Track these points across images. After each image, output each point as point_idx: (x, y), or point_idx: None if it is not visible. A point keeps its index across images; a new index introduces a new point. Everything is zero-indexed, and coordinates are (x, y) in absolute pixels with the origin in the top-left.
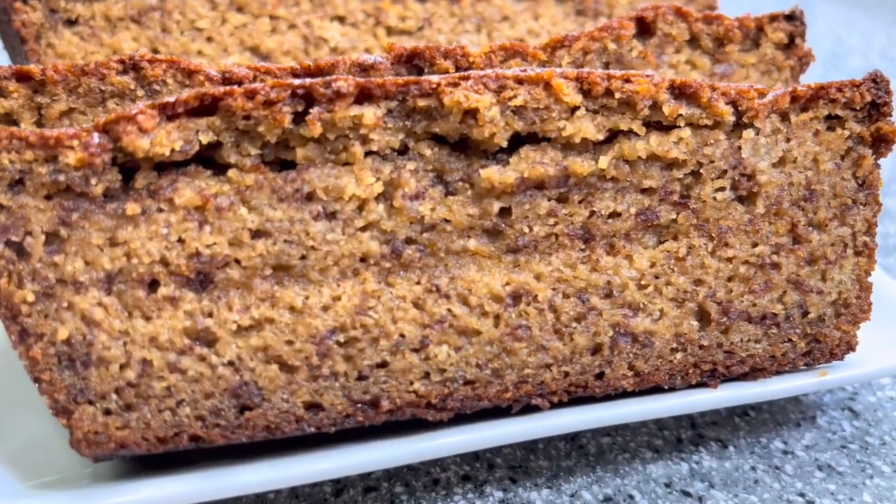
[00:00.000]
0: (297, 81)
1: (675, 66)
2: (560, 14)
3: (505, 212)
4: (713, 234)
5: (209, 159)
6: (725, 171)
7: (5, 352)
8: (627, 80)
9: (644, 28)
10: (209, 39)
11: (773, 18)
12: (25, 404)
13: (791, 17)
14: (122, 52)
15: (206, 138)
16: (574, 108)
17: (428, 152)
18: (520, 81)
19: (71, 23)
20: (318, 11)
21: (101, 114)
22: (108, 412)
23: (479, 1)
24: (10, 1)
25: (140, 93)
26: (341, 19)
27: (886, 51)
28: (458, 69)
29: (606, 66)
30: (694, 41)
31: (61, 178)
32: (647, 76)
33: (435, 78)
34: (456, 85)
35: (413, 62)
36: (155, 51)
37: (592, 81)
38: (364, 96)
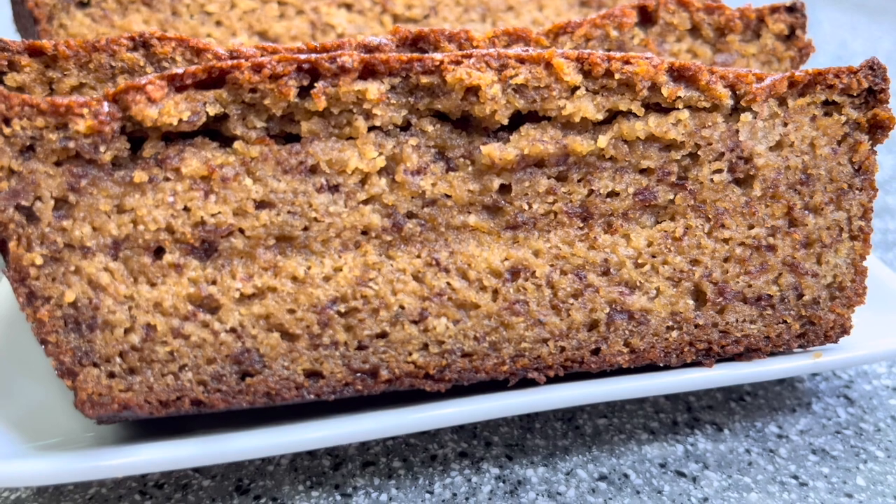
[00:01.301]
0: (303, 56)
1: (677, 55)
2: (564, 5)
3: (505, 189)
4: (710, 216)
5: (216, 131)
6: (723, 154)
7: (12, 316)
8: (627, 62)
9: (646, 16)
10: (218, 23)
11: (774, 9)
12: (31, 367)
13: (792, 9)
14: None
15: (213, 110)
16: (574, 88)
17: (430, 128)
18: (521, 60)
19: (83, 4)
20: None
21: (111, 88)
22: (112, 375)
23: None
24: None
25: (149, 69)
26: (348, 6)
27: (891, 55)
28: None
29: (608, 52)
30: (695, 30)
31: (71, 144)
32: (647, 58)
33: (438, 55)
34: (458, 63)
35: (418, 45)
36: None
37: (593, 62)
38: (368, 72)
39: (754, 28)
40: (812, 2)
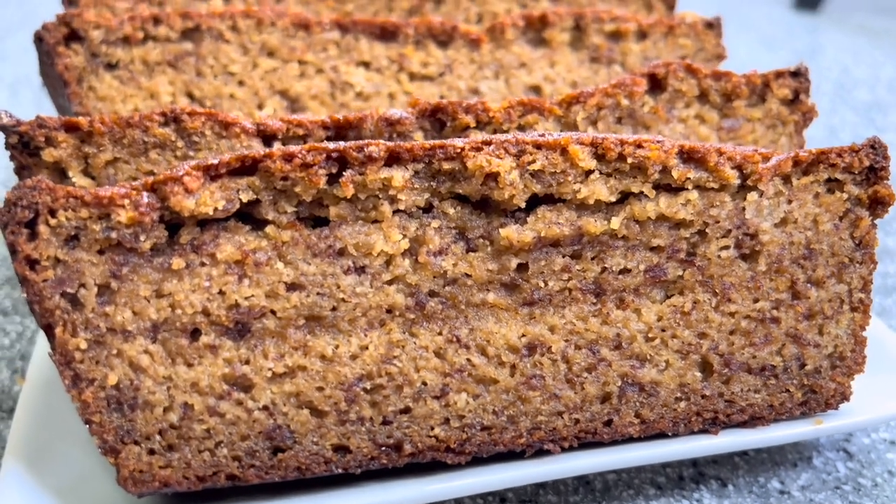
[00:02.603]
0: (331, 145)
1: (685, 121)
2: (575, 61)
3: (522, 267)
4: (717, 290)
5: (248, 215)
6: (730, 231)
7: (53, 382)
8: (639, 146)
9: (655, 83)
10: (241, 83)
11: (779, 75)
12: (75, 441)
13: (796, 74)
14: (159, 94)
15: (246, 197)
16: (588, 172)
17: (451, 211)
18: (538, 146)
19: (111, 66)
20: (344, 57)
21: (145, 163)
22: (152, 452)
23: (498, 48)
24: (53, 45)
25: (180, 143)
26: (366, 65)
27: (893, 83)
28: (478, 123)
29: (619, 120)
30: (703, 96)
31: (113, 234)
32: (658, 142)
33: (459, 142)
34: (479, 149)
35: (436, 116)
36: (189, 94)
37: (607, 147)
38: (393, 159)
39: (760, 93)
40: (814, 24)
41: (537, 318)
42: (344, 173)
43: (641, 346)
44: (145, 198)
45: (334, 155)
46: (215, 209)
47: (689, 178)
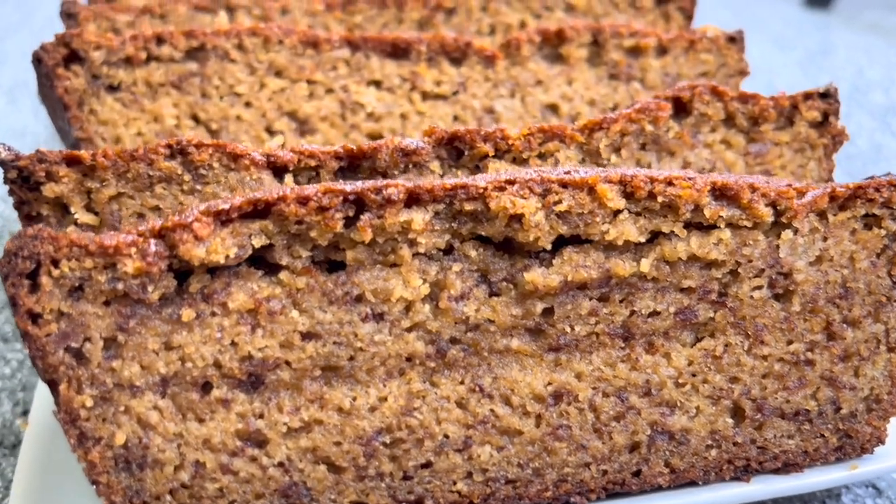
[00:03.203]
0: (348, 187)
1: (711, 146)
2: (593, 78)
3: (547, 312)
4: (749, 332)
5: (260, 258)
6: (763, 270)
7: (62, 436)
8: (670, 183)
9: (680, 107)
10: (248, 105)
11: (808, 96)
12: (83, 491)
13: (825, 95)
14: (163, 117)
15: (258, 242)
16: (617, 212)
17: (473, 253)
18: (564, 185)
19: (113, 89)
20: (354, 76)
21: (150, 198)
22: None
23: (513, 65)
24: (52, 67)
25: (187, 177)
26: (377, 84)
27: None
28: (497, 151)
29: (643, 146)
30: (729, 120)
31: (119, 285)
32: (689, 179)
33: (481, 181)
34: (502, 189)
35: (453, 144)
36: (195, 116)
37: (636, 185)
38: (413, 199)
39: (788, 115)
40: (825, 22)
41: (563, 364)
42: (361, 216)
43: (671, 393)
44: (153, 246)
45: (351, 197)
46: (227, 257)
47: (721, 217)
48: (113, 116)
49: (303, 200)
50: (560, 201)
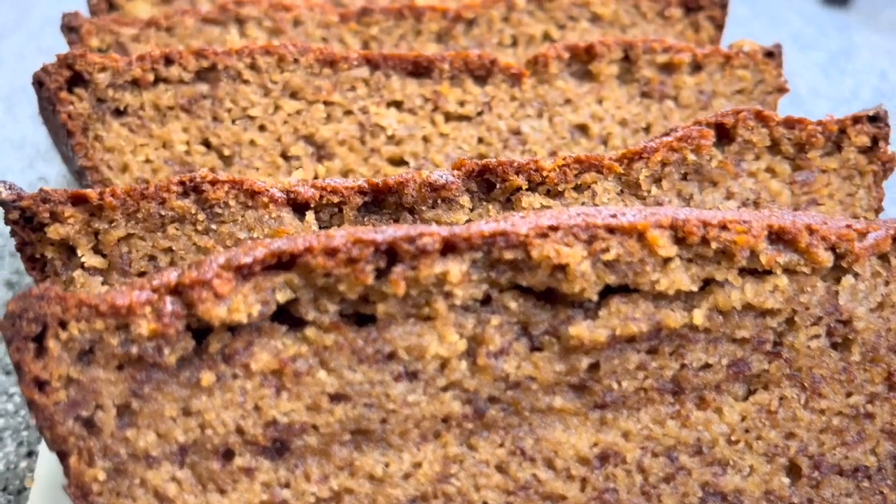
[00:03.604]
0: (379, 236)
1: (755, 174)
2: (624, 96)
3: (593, 367)
4: (806, 384)
5: (284, 310)
6: (821, 318)
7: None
8: (724, 227)
9: (723, 133)
10: (262, 128)
11: (857, 120)
12: None
13: (875, 119)
14: (173, 143)
15: (283, 297)
16: (668, 259)
17: (513, 304)
18: (611, 230)
19: (119, 113)
20: (374, 97)
21: (162, 239)
22: None
23: (541, 83)
24: (55, 90)
25: (201, 216)
26: (398, 105)
27: None
28: (530, 184)
29: (685, 176)
30: (774, 146)
31: (133, 349)
32: (744, 222)
33: (522, 227)
34: (545, 236)
35: (483, 176)
36: (206, 141)
37: (688, 231)
38: (449, 248)
39: (836, 140)
40: (845, 22)
41: (609, 423)
42: (394, 268)
43: (724, 451)
44: (169, 305)
45: (383, 247)
46: (249, 315)
47: (777, 262)
48: (119, 143)
49: (330, 252)
50: (607, 249)
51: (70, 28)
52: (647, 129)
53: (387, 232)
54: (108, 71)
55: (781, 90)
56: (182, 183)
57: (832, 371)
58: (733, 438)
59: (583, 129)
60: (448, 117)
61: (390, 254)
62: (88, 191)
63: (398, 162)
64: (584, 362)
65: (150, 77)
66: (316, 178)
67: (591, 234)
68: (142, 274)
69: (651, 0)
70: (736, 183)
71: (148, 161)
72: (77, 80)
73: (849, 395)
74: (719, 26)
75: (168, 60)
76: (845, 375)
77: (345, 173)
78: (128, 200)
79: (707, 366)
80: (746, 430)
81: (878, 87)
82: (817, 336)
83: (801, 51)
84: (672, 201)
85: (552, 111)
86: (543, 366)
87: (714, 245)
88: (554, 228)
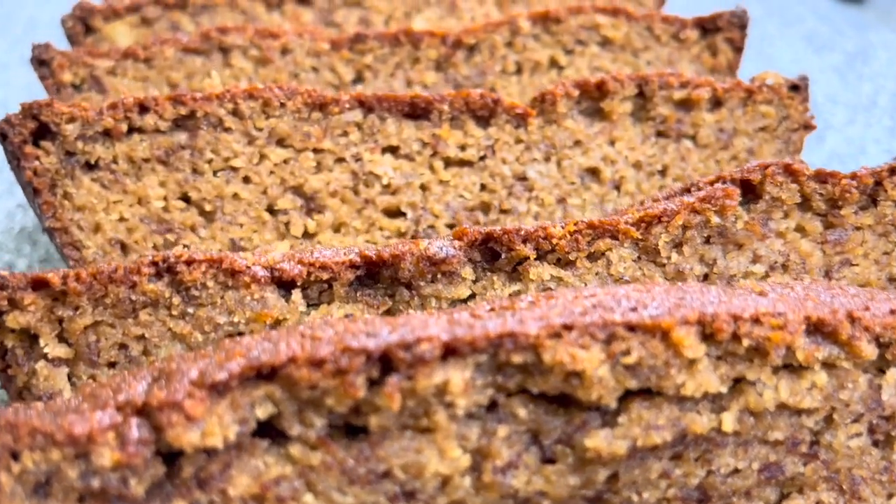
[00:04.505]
0: (371, 344)
1: (784, 235)
2: (638, 136)
3: (611, 477)
4: (844, 487)
5: (265, 423)
6: (862, 415)
7: None
8: (756, 322)
9: (748, 189)
10: (246, 180)
11: (893, 171)
12: None
13: None
14: (149, 199)
15: (263, 412)
16: (695, 360)
17: (522, 411)
18: (631, 328)
19: (90, 167)
20: (368, 142)
21: (133, 326)
22: None
23: (548, 124)
24: (19, 144)
25: (176, 300)
26: (394, 150)
27: None
28: (539, 252)
29: (707, 239)
30: (805, 202)
31: (95, 483)
32: (779, 315)
33: (533, 327)
34: (558, 336)
35: (488, 245)
36: (185, 196)
37: (717, 328)
38: (450, 351)
39: (870, 193)
40: (861, 20)
41: None
42: (388, 379)
43: None
44: (135, 430)
45: (376, 355)
46: (225, 438)
47: (816, 358)
48: (91, 200)
49: (316, 363)
50: (628, 351)
51: (40, 62)
52: (662, 172)
53: (380, 337)
54: (78, 121)
55: (808, 127)
56: (154, 264)
57: (873, 471)
58: None
59: (594, 172)
60: (448, 163)
61: (384, 361)
62: (50, 275)
63: (394, 213)
64: (602, 474)
65: (124, 127)
66: (306, 232)
67: (609, 334)
68: (112, 364)
69: (665, 22)
70: (763, 245)
71: (122, 219)
72: (43, 131)
73: (890, 496)
74: (738, 49)
75: (142, 108)
76: (887, 476)
77: (337, 227)
78: (94, 284)
79: (736, 471)
80: None
81: None
82: (858, 434)
83: (817, 53)
84: (693, 268)
85: (560, 154)
86: (556, 479)
87: (746, 342)
88: (568, 328)
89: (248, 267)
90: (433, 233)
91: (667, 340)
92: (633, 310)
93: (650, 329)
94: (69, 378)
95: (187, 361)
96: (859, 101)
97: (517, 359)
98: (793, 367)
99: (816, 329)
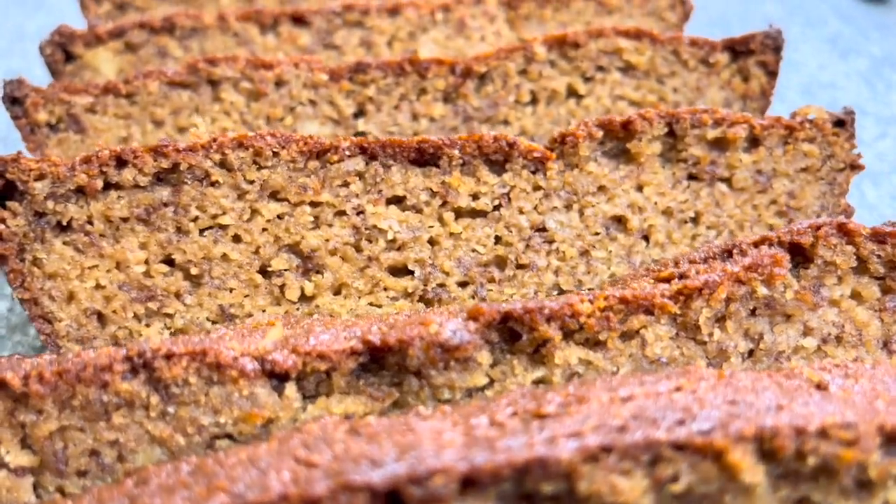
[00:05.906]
0: (376, 478)
1: (838, 303)
2: (669, 180)
3: None
4: None
5: None
6: None
7: None
8: (823, 435)
9: (798, 252)
10: (236, 239)
11: None
12: None
13: None
14: (128, 263)
15: None
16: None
17: None
18: (679, 448)
19: (62, 229)
20: (371, 193)
21: (106, 430)
22: None
23: (569, 168)
24: None
25: (154, 399)
26: (399, 201)
27: None
28: (565, 333)
29: (753, 311)
30: (860, 265)
31: None
32: (849, 426)
33: (565, 451)
34: (594, 460)
35: (507, 324)
36: (168, 258)
37: (779, 445)
38: (468, 482)
39: None
40: (886, 21)
41: None
42: None
43: None
44: None
45: (382, 492)
46: None
47: (891, 474)
48: (63, 266)
49: (312, 502)
50: (676, 477)
51: (13, 100)
52: (695, 220)
53: (386, 465)
54: (48, 178)
55: (855, 167)
56: (129, 359)
57: None
58: None
59: (620, 221)
60: (459, 214)
61: (392, 500)
62: (9, 375)
63: (401, 271)
64: None
65: (99, 183)
66: (303, 296)
67: (653, 455)
68: (82, 473)
69: (692, 45)
70: (814, 315)
71: (99, 287)
72: (10, 190)
73: None
74: (772, 73)
75: (120, 161)
76: None
77: (337, 289)
78: (59, 385)
79: None
80: None
81: None
82: None
83: (842, 57)
84: (738, 346)
85: (583, 202)
86: None
87: (812, 460)
88: (606, 450)
89: (236, 359)
90: (443, 292)
91: (720, 462)
92: (681, 423)
93: (701, 449)
94: (34, 489)
95: (162, 494)
96: (890, 113)
97: (547, 488)
98: (862, 483)
99: (891, 440)
